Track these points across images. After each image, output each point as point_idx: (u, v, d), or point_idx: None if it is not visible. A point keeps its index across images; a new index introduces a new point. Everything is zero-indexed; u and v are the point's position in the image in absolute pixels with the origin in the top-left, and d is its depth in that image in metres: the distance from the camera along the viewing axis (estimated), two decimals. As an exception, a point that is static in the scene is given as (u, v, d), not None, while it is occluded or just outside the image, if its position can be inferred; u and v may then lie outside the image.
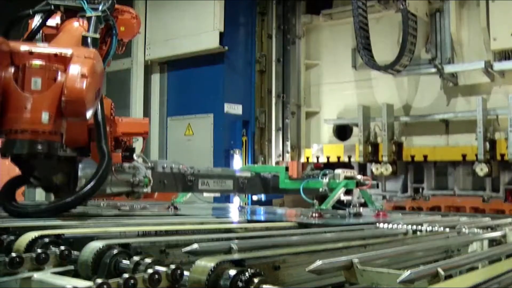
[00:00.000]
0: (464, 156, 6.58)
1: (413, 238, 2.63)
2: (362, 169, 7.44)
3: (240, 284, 1.44)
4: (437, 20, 7.02)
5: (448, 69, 6.72)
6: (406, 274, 1.45)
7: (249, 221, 3.39)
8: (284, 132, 8.32)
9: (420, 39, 6.94)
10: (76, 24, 3.49)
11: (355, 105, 7.57)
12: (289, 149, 8.25)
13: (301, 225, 3.12)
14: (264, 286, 1.44)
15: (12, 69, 2.95)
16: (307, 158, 8.06)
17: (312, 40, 8.46)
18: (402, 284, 1.45)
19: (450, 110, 6.97)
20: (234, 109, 8.08)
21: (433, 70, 6.89)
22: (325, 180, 4.55)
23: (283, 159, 8.23)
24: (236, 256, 1.67)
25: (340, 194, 4.40)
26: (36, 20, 3.56)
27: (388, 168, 6.94)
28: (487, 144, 6.24)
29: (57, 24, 3.61)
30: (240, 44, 8.28)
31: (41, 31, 3.60)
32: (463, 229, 2.87)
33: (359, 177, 4.62)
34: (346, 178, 4.52)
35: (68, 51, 3.06)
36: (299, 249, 1.90)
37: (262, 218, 3.96)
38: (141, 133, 4.18)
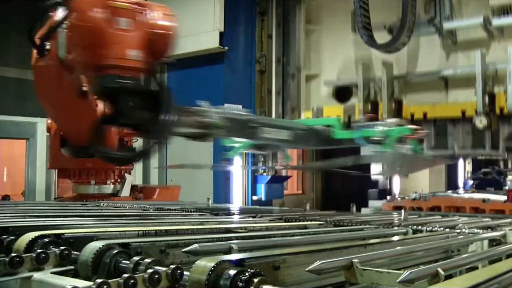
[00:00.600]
0: (463, 112, 6.54)
1: (413, 238, 2.63)
2: None
3: (240, 284, 1.44)
4: None
5: (447, 25, 6.68)
6: (406, 274, 1.45)
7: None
8: (284, 94, 8.30)
9: (420, 3, 6.88)
10: None
11: (355, 66, 7.50)
12: (289, 110, 8.24)
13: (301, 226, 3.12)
14: (264, 286, 1.44)
15: (102, 11, 3.07)
16: None
17: (312, 3, 8.37)
18: (402, 284, 1.45)
19: (449, 67, 6.90)
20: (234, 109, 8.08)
21: (433, 29, 6.85)
22: (381, 128, 4.55)
23: None
24: (236, 256, 1.67)
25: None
26: (60, 11, 3.63)
27: None
28: (486, 98, 6.21)
29: None
30: (240, 44, 8.28)
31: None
32: (463, 229, 2.87)
33: (410, 126, 4.64)
34: (398, 125, 4.56)
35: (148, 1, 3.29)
36: (299, 249, 1.90)
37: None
38: (142, 133, 4.19)
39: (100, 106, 3.57)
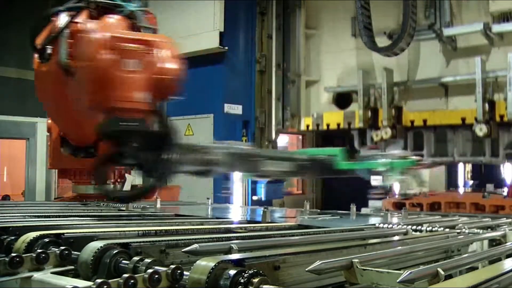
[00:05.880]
0: (463, 120, 6.57)
1: (413, 238, 2.63)
2: (362, 136, 7.43)
3: (240, 284, 1.44)
4: None
5: (447, 32, 6.71)
6: (406, 274, 1.45)
7: (248, 221, 3.39)
8: (284, 100, 8.31)
9: (420, 6, 6.88)
10: (112, 20, 3.64)
11: (355, 73, 7.53)
12: (288, 117, 8.24)
13: (301, 227, 3.12)
14: (264, 286, 1.44)
15: (112, 52, 3.10)
16: (307, 126, 8.06)
17: (312, 9, 8.41)
18: (402, 284, 1.45)
19: (449, 74, 6.93)
20: (234, 109, 8.08)
21: (433, 35, 6.87)
22: (384, 160, 4.57)
23: (283, 126, 8.24)
24: (236, 256, 1.67)
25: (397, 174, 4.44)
26: (63, 18, 3.64)
27: (388, 132, 6.91)
28: (486, 105, 6.22)
29: (83, 20, 3.70)
30: (240, 44, 8.28)
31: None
32: (463, 229, 2.87)
33: (413, 158, 4.66)
34: (401, 158, 4.58)
35: (157, 38, 3.32)
36: (299, 249, 1.90)
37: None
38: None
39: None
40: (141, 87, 3.11)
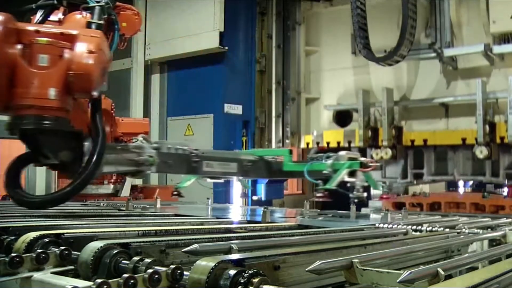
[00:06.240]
0: (464, 140, 6.57)
1: (413, 238, 2.63)
2: (362, 155, 7.43)
3: (240, 284, 1.44)
4: (436, 3, 6.99)
5: (448, 52, 6.70)
6: (406, 274, 1.45)
7: (248, 222, 3.39)
8: (284, 118, 8.32)
9: (420, 23, 6.89)
10: (79, 16, 3.52)
11: (355, 91, 7.55)
12: (289, 135, 8.25)
13: (301, 227, 3.12)
14: (264, 286, 1.44)
15: (19, 46, 2.97)
16: (307, 144, 8.06)
17: (311, 26, 8.43)
18: (402, 284, 1.44)
19: (449, 94, 6.94)
20: (234, 109, 8.08)
21: (433, 54, 6.87)
22: (329, 162, 4.52)
23: (283, 145, 8.24)
24: (236, 256, 1.67)
25: (344, 175, 4.36)
26: (39, 15, 3.59)
27: (388, 152, 6.91)
28: (487, 127, 6.23)
29: (59, 19, 3.64)
30: (240, 44, 8.28)
31: None
32: (463, 229, 2.87)
33: (362, 159, 4.61)
34: (350, 159, 4.51)
35: (74, 31, 3.10)
36: (299, 249, 1.90)
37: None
38: (141, 133, 4.19)
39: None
40: (54, 83, 2.94)
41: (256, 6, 8.49)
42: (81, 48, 2.99)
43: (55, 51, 2.98)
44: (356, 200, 4.06)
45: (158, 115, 8.64)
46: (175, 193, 4.18)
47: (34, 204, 3.15)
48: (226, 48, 7.93)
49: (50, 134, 3.07)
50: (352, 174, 4.40)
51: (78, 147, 3.30)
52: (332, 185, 4.26)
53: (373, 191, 4.44)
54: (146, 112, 8.62)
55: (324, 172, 4.54)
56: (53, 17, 3.64)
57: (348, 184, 4.42)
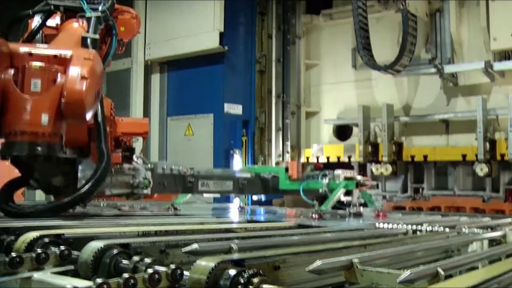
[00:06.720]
0: (464, 156, 6.59)
1: (413, 238, 2.63)
2: (362, 169, 7.44)
3: (240, 284, 1.44)
4: (437, 20, 7.03)
5: (448, 69, 6.72)
6: (406, 274, 1.45)
7: (248, 221, 3.39)
8: (284, 132, 8.33)
9: (420, 39, 6.94)
10: (76, 25, 3.48)
11: (355, 105, 7.58)
12: (289, 149, 8.26)
13: (301, 226, 3.12)
14: (264, 286, 1.44)
15: (11, 71, 2.94)
16: (307, 158, 8.06)
17: (312, 40, 8.47)
18: (402, 284, 1.44)
19: (450, 110, 6.98)
20: (234, 109, 8.08)
21: (433, 70, 6.90)
22: (325, 181, 4.56)
23: (283, 159, 8.23)
24: (236, 256, 1.67)
25: (340, 195, 4.41)
26: (36, 21, 3.55)
27: (388, 168, 6.95)
28: (487, 144, 6.24)
29: (57, 24, 3.60)
30: (240, 44, 8.28)
31: (41, 32, 3.59)
32: (463, 229, 2.87)
33: (358, 177, 4.63)
34: (346, 178, 4.53)
35: (67, 53, 3.05)
36: (299, 249, 1.90)
37: (262, 218, 3.96)
38: (141, 133, 4.18)
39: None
40: (44, 109, 2.90)
41: (256, 6, 8.49)
42: (73, 72, 2.94)
43: (48, 76, 2.94)
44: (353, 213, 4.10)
45: (158, 115, 8.64)
46: (171, 208, 4.21)
47: (18, 214, 3.09)
48: (226, 48, 7.93)
49: (43, 160, 3.06)
50: (348, 192, 4.46)
51: (71, 172, 3.30)
52: (328, 207, 4.31)
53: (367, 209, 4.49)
54: (146, 112, 8.62)
55: (320, 191, 4.59)
56: (50, 21, 3.60)
57: (345, 202, 4.47)
